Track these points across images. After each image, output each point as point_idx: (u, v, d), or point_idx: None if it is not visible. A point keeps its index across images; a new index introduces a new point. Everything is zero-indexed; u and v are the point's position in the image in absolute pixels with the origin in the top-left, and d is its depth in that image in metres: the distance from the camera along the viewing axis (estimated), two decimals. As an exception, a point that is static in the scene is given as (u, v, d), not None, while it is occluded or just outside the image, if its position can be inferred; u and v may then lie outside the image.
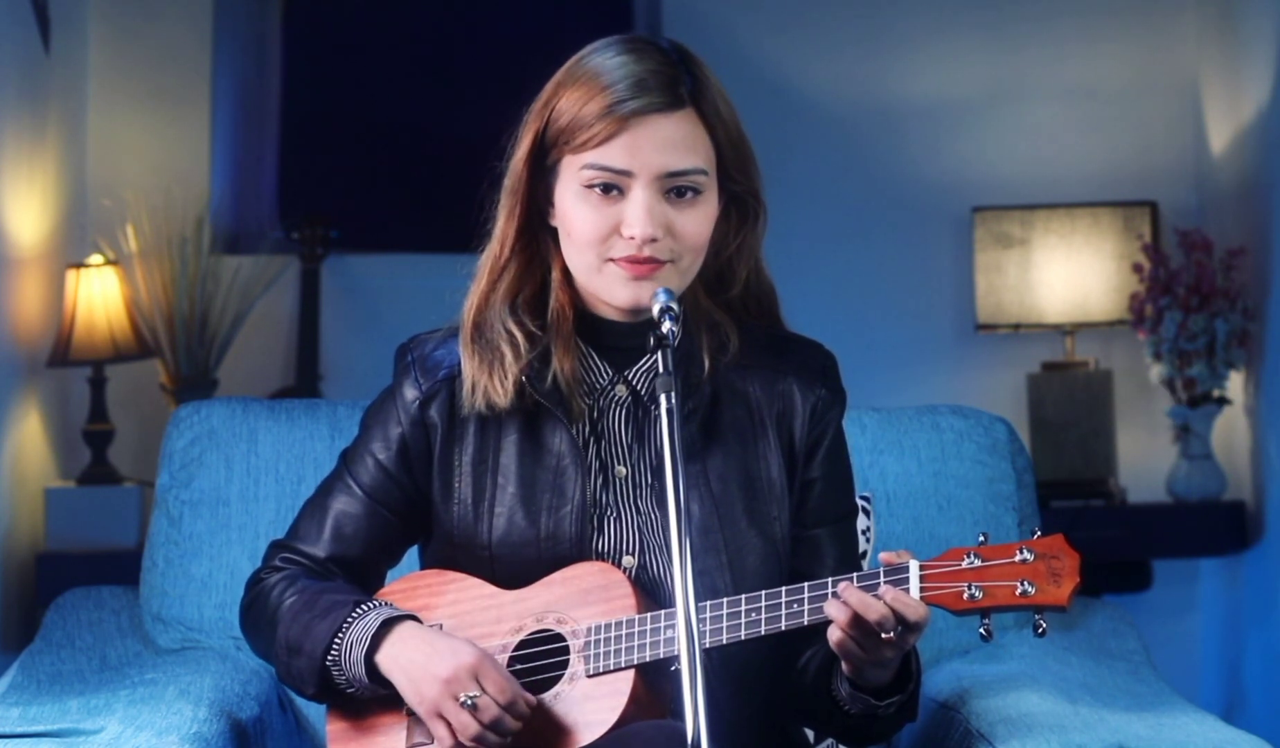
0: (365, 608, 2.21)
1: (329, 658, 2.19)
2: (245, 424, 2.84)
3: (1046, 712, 2.34)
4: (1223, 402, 4.42)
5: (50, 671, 2.73)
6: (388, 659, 2.18)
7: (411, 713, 2.21)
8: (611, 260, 2.19)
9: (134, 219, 4.51)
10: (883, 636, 2.07)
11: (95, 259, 4.25)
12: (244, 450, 2.82)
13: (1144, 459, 4.62)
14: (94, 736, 2.26)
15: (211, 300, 4.50)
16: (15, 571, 3.91)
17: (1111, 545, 4.39)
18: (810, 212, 4.71)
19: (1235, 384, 4.46)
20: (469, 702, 2.13)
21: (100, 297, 4.20)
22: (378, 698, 2.23)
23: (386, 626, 2.19)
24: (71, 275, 4.21)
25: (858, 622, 2.07)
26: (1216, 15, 4.61)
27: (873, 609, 2.06)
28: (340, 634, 2.19)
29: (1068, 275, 4.55)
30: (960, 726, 2.41)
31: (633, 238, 2.17)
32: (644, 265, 2.18)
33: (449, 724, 2.14)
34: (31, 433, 4.10)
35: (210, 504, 2.81)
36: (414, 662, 2.16)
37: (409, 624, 2.20)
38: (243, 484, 2.81)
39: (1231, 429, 4.51)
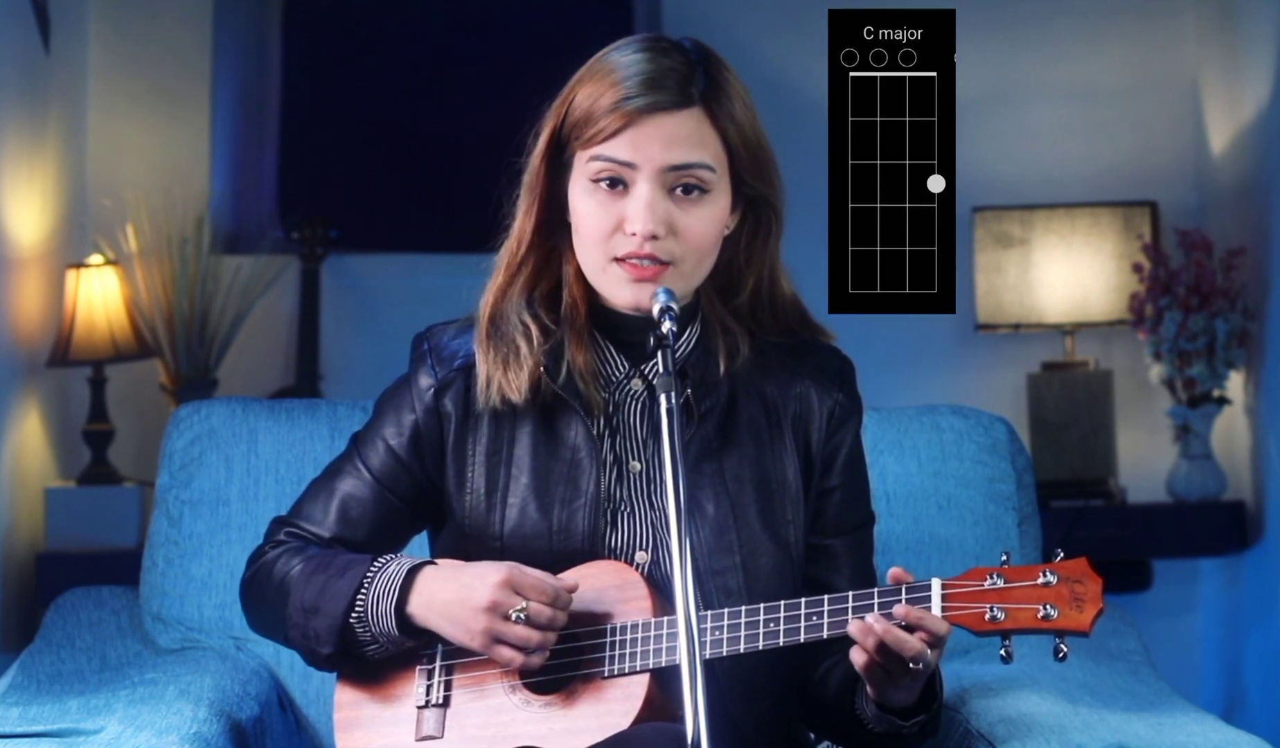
0: (384, 560, 2.21)
1: (353, 615, 2.19)
2: (245, 424, 2.83)
3: (1046, 712, 2.33)
4: (1223, 402, 4.42)
5: (50, 671, 2.73)
6: (420, 607, 2.18)
7: (422, 705, 2.21)
8: (616, 260, 2.19)
9: (134, 219, 4.51)
10: (911, 667, 2.06)
11: (95, 259, 4.25)
12: (244, 450, 2.82)
13: (1144, 459, 4.62)
14: (94, 736, 2.26)
15: (211, 300, 4.50)
16: (15, 571, 3.91)
17: (1111, 546, 4.38)
18: (810, 211, 4.71)
19: (1235, 384, 4.46)
20: (520, 617, 2.13)
21: (100, 297, 4.19)
22: (387, 682, 2.23)
23: (410, 574, 2.19)
24: (71, 275, 4.21)
25: (884, 650, 2.06)
26: (1216, 15, 4.61)
27: (909, 646, 2.05)
28: (364, 589, 2.18)
29: (1068, 275, 4.55)
30: (960, 726, 2.40)
31: (634, 234, 2.17)
32: (646, 269, 2.17)
33: (511, 646, 2.14)
34: (31, 433, 4.09)
35: (210, 504, 2.81)
36: (449, 603, 2.16)
37: (430, 569, 2.20)
38: (243, 484, 2.81)
39: (1231, 429, 4.50)
